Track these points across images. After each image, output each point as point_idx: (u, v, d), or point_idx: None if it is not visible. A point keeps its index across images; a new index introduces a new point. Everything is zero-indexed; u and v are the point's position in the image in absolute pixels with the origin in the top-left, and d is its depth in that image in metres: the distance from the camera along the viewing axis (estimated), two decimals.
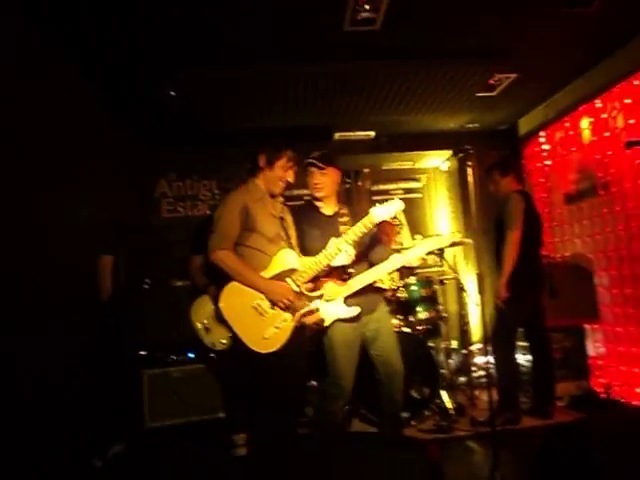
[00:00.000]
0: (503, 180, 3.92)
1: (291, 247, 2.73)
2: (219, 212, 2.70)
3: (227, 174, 5.34)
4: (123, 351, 3.82)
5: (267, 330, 2.54)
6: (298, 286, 2.64)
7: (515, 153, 5.70)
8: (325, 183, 2.94)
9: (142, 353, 4.12)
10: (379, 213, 2.64)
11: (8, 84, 2.74)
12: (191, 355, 4.13)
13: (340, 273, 2.88)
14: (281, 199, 2.85)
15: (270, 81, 4.00)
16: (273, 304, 2.58)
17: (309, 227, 2.93)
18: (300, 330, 2.68)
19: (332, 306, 2.83)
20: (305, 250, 2.84)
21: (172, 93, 4.09)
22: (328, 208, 3.02)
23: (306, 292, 2.67)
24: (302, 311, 2.70)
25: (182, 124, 4.87)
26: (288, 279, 2.63)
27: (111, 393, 3.70)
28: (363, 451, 1.88)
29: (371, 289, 2.94)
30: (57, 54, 3.35)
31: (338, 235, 2.81)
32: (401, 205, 2.68)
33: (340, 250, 2.65)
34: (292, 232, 2.82)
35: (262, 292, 2.57)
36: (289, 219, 2.86)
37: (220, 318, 2.62)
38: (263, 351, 2.51)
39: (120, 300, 3.87)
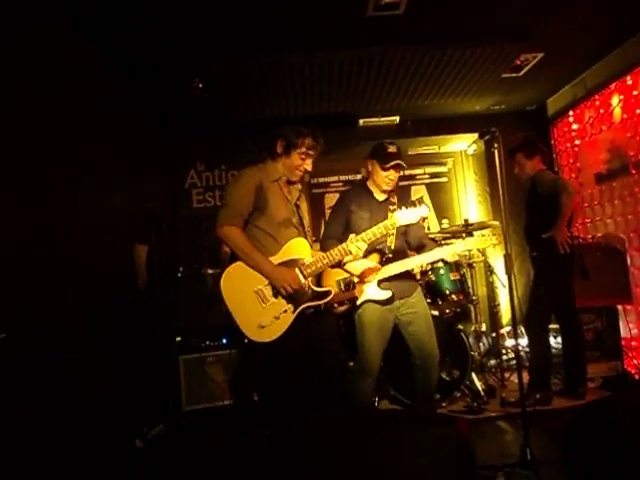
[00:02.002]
0: (529, 162, 3.87)
1: (304, 235, 2.65)
2: (232, 186, 2.62)
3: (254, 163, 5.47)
4: (160, 337, 3.96)
5: (265, 318, 2.41)
6: (305, 277, 2.51)
7: (543, 134, 5.62)
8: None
9: (178, 339, 4.26)
10: (402, 218, 2.65)
11: (48, 84, 2.86)
12: (224, 341, 4.25)
13: (379, 256, 2.94)
14: (299, 186, 2.77)
15: (295, 70, 4.04)
16: (276, 292, 2.45)
17: (359, 209, 2.99)
18: (307, 321, 2.55)
19: (366, 287, 2.91)
20: (351, 230, 2.87)
21: (199, 85, 4.18)
22: (380, 195, 3.07)
23: (312, 286, 2.55)
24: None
25: (209, 115, 4.96)
26: (296, 269, 2.51)
27: (150, 378, 3.86)
28: (395, 427, 1.94)
29: (407, 275, 2.99)
30: (89, 51, 3.46)
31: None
32: (426, 212, 2.69)
33: (356, 248, 2.60)
34: (307, 220, 2.75)
35: (266, 276, 2.43)
36: (304, 207, 2.80)
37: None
38: (256, 339, 2.40)
39: (155, 288, 4.00)
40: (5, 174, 2.42)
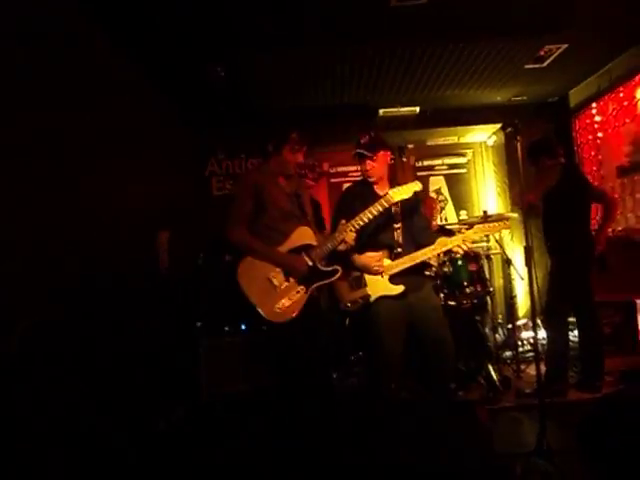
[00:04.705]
0: (554, 161, 3.85)
1: (307, 224, 2.82)
2: (233, 193, 2.88)
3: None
4: (180, 322, 4.04)
5: (281, 302, 2.64)
6: (313, 261, 2.72)
7: (565, 125, 5.58)
8: (376, 168, 2.96)
9: (198, 324, 4.34)
10: (395, 195, 2.75)
11: (72, 74, 2.92)
12: (243, 326, 4.32)
13: (389, 251, 2.95)
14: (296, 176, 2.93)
15: (317, 61, 4.06)
16: (287, 276, 2.68)
17: (363, 206, 2.86)
18: (314, 300, 2.79)
19: (378, 282, 2.91)
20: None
21: (221, 73, 4.21)
22: (382, 189, 3.02)
23: (321, 267, 2.74)
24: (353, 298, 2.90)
25: (230, 104, 5.00)
26: (303, 253, 2.72)
27: (171, 362, 3.94)
28: (414, 414, 1.98)
29: (417, 268, 2.96)
30: (109, 39, 3.50)
31: (390, 215, 2.93)
32: (418, 187, 2.78)
33: (347, 232, 2.71)
34: (309, 209, 2.92)
35: (278, 265, 2.68)
36: (306, 196, 2.96)
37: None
38: (276, 321, 2.63)
39: (176, 274, 4.07)
40: (33, 168, 2.49)
